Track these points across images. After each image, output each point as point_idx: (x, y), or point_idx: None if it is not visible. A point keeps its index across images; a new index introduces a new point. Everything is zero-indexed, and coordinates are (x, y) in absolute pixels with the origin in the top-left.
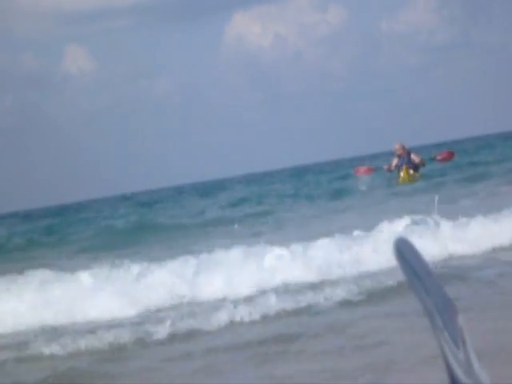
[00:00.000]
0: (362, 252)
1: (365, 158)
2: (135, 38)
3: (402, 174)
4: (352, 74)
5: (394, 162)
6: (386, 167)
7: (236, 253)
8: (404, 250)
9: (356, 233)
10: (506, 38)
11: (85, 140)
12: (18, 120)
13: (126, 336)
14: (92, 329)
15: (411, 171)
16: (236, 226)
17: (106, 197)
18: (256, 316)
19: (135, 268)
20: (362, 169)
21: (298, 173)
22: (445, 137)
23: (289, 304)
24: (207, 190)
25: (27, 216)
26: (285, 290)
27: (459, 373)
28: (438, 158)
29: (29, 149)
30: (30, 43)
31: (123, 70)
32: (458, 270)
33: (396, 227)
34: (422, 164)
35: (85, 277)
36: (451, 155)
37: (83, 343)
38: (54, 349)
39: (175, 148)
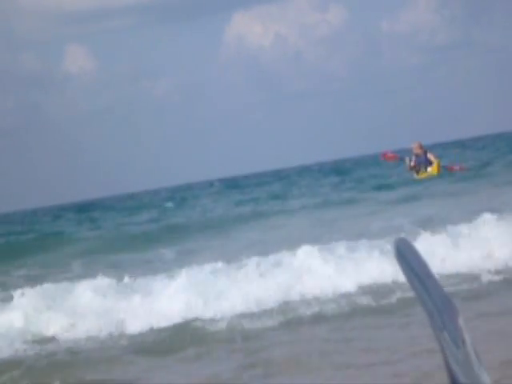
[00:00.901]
0: None
1: (366, 157)
2: (135, 37)
3: (430, 169)
4: (352, 73)
5: (413, 161)
6: (407, 161)
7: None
8: (404, 250)
9: None
10: (507, 37)
11: (85, 139)
12: (19, 119)
13: None
14: None
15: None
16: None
17: (106, 196)
18: None
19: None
20: (389, 153)
21: (304, 171)
22: (446, 137)
23: None
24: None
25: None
26: None
27: (459, 373)
28: (453, 168)
29: (29, 148)
30: (31, 43)
31: (124, 70)
32: None
33: None
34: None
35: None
36: (462, 170)
37: None
38: None
39: (175, 148)
